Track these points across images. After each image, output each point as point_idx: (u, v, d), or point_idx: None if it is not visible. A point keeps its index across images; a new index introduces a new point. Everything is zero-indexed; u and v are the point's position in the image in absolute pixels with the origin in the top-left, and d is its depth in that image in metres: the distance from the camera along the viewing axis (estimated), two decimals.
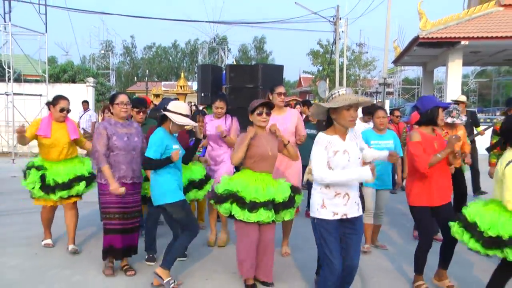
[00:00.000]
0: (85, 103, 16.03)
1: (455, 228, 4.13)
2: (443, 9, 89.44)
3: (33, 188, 5.57)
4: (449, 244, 4.68)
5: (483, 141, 9.14)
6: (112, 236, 5.02)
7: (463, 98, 9.71)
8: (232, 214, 4.65)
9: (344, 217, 3.81)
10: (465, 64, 23.19)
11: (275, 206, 4.63)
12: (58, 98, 5.76)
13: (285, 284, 4.91)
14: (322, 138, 3.81)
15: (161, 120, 4.92)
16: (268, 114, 4.86)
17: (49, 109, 5.82)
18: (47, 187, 5.57)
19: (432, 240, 4.77)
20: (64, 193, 5.60)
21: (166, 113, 4.80)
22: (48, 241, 6.01)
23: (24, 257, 5.64)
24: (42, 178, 5.58)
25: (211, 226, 6.35)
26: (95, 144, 4.99)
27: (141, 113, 6.09)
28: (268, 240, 4.80)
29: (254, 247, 4.71)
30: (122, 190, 4.88)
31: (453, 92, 20.33)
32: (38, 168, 5.65)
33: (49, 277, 5.04)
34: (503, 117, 7.33)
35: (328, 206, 3.79)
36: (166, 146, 4.75)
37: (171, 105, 4.87)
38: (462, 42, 19.47)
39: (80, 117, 15.08)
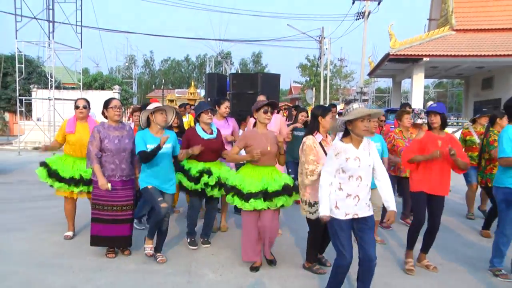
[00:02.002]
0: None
1: None
2: (409, 31, 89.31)
3: (49, 181, 5.31)
4: (432, 231, 4.61)
5: None
6: (99, 225, 4.77)
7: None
8: (235, 203, 4.57)
9: (356, 216, 3.57)
10: (426, 77, 23.32)
11: (267, 195, 4.42)
12: (76, 100, 5.52)
13: (281, 260, 4.86)
14: (338, 146, 3.59)
15: (147, 124, 4.74)
16: (272, 113, 4.66)
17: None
18: (70, 180, 5.24)
19: (424, 221, 4.64)
20: (85, 188, 5.29)
21: (142, 113, 4.71)
22: (69, 233, 5.57)
23: (62, 234, 5.60)
24: (52, 173, 5.28)
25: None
26: (89, 145, 4.74)
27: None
28: (268, 225, 4.50)
29: (255, 233, 4.55)
30: (108, 186, 4.61)
31: (417, 99, 20.51)
32: (46, 165, 5.36)
33: (82, 250, 5.05)
34: (470, 123, 7.14)
35: (341, 207, 3.55)
36: (145, 142, 4.54)
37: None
38: (424, 59, 19.62)
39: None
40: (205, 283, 4.22)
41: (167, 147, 4.66)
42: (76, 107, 5.39)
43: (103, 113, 4.97)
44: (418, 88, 21.16)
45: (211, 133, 5.22)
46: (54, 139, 5.61)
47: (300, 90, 43.06)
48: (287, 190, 4.56)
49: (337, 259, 3.63)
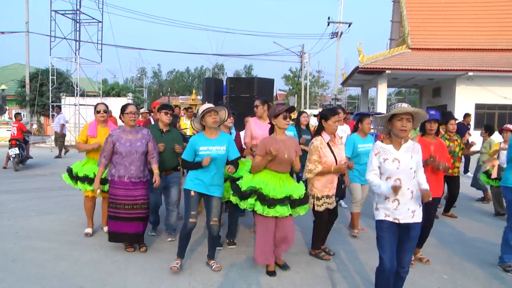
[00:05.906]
0: (57, 107, 15.91)
1: None
2: (374, 48, 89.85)
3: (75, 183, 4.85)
4: (426, 228, 4.07)
5: None
6: (115, 222, 4.28)
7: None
8: (255, 209, 3.69)
9: (396, 221, 2.95)
10: (388, 86, 23.54)
11: (292, 202, 3.71)
12: (97, 105, 5.00)
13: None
14: (376, 145, 3.05)
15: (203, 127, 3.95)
16: (290, 117, 3.88)
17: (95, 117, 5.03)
18: (84, 178, 4.78)
19: None
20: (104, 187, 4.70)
21: (194, 120, 3.98)
22: (89, 230, 4.98)
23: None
24: (73, 176, 4.84)
25: None
26: (103, 148, 4.31)
27: (168, 115, 4.78)
28: (287, 231, 3.82)
29: (272, 238, 3.79)
30: (98, 192, 4.31)
31: (381, 105, 20.71)
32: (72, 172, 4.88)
33: (103, 232, 4.99)
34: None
35: (380, 208, 3.01)
36: (195, 149, 3.83)
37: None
38: (387, 71, 19.81)
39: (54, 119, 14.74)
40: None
41: (216, 151, 3.80)
42: (97, 112, 4.92)
43: (120, 118, 4.53)
44: (382, 96, 21.39)
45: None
46: (78, 141, 4.93)
47: (285, 97, 43.07)
48: (307, 199, 3.89)
49: (379, 263, 3.01)
